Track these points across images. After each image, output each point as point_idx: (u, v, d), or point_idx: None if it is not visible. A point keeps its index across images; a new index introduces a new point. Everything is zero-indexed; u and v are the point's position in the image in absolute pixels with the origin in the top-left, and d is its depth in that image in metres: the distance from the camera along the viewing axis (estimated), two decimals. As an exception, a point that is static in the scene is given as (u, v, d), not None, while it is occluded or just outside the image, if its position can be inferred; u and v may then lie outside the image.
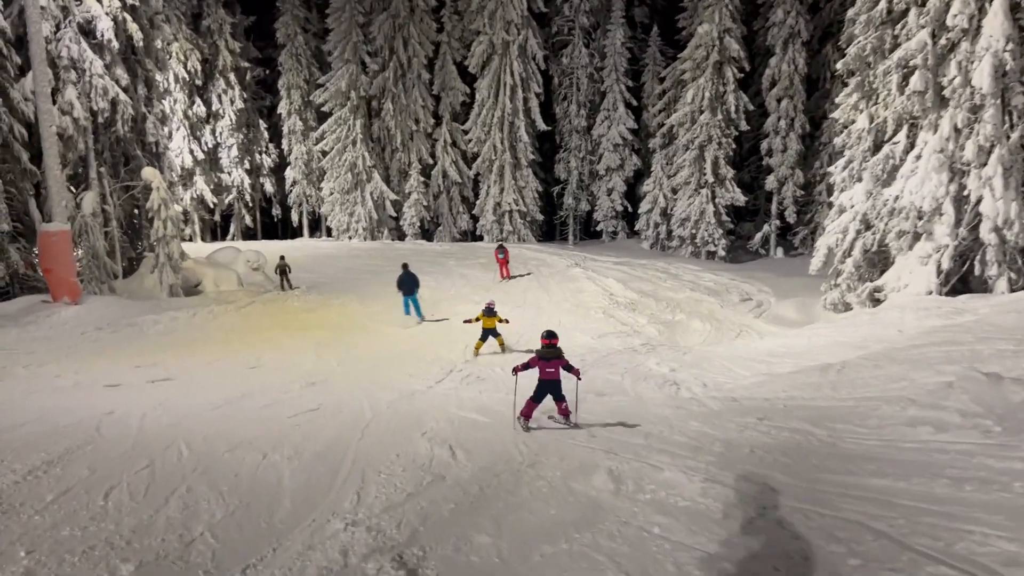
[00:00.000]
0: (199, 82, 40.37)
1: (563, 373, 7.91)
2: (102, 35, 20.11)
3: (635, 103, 38.80)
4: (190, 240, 40.69)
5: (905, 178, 16.43)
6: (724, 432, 6.70)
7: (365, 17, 38.93)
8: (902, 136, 17.19)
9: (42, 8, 19.15)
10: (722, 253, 32.59)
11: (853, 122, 18.87)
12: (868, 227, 17.99)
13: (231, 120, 41.53)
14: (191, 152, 39.99)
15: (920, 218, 16.07)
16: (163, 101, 27.40)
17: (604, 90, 38.77)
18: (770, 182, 32.85)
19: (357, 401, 9.53)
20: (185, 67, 39.21)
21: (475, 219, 40.10)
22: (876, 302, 17.80)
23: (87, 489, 5.70)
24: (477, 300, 21.38)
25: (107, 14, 20.20)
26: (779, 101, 32.19)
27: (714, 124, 31.58)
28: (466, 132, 38.86)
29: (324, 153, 40.51)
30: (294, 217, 44.69)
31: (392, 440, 7.37)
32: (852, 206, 18.25)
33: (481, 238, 38.88)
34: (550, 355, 7.86)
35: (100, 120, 20.70)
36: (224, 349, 14.14)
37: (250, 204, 44.10)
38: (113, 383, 10.61)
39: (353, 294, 22.79)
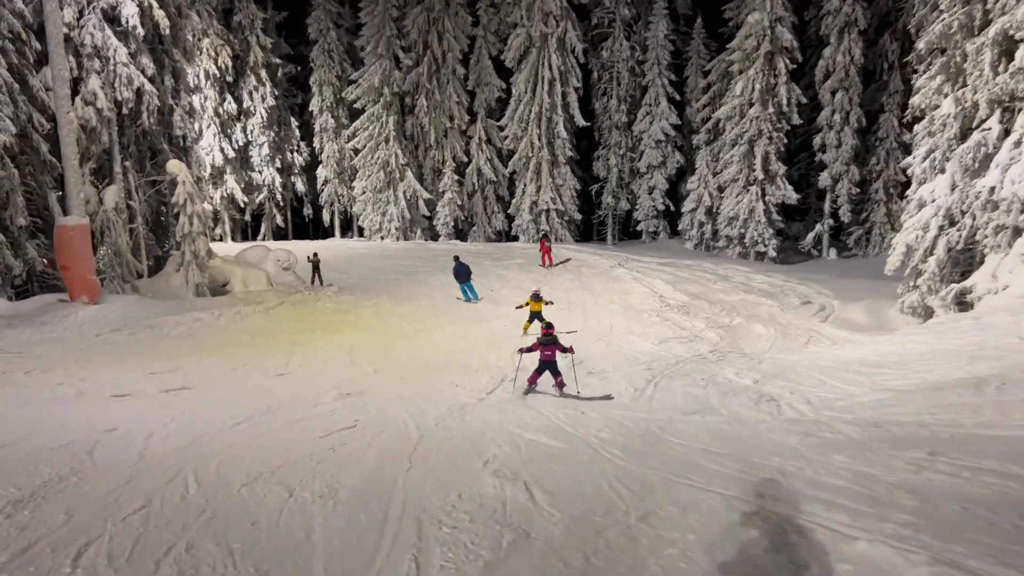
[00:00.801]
0: (230, 79, 39.40)
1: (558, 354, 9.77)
2: (127, 21, 18.96)
3: (678, 98, 37.11)
4: (220, 240, 39.80)
5: (1002, 167, 14.62)
6: (891, 472, 5.08)
7: (399, 11, 37.72)
8: (994, 121, 15.39)
9: (63, -9, 18.15)
10: (772, 254, 30.77)
11: (936, 107, 17.07)
12: (952, 223, 16.22)
13: (262, 118, 40.57)
14: (221, 150, 39.09)
15: (1024, 211, 14.27)
16: (192, 96, 26.34)
17: (646, 84, 37.13)
18: (823, 179, 30.96)
19: (400, 417, 8.11)
20: (216, 63, 38.28)
21: (510, 219, 38.67)
22: (963, 305, 16.02)
23: (55, 546, 4.30)
24: (518, 301, 20.14)
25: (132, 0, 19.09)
26: (833, 94, 30.30)
27: (764, 118, 29.79)
28: (501, 128, 37.45)
29: (356, 151, 39.38)
30: (325, 217, 43.63)
31: (448, 472, 5.91)
32: (934, 200, 16.47)
33: (516, 238, 37.43)
34: (548, 341, 9.73)
35: (125, 111, 19.58)
36: (250, 353, 12.83)
37: (281, 203, 43.11)
38: (121, 393, 9.30)
39: (386, 295, 21.49)
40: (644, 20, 37.69)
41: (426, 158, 39.34)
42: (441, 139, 38.61)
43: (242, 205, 40.67)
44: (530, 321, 15.72)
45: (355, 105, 38.82)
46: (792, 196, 30.40)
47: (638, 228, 38.66)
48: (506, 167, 38.22)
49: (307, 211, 44.73)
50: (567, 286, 22.70)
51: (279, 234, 43.97)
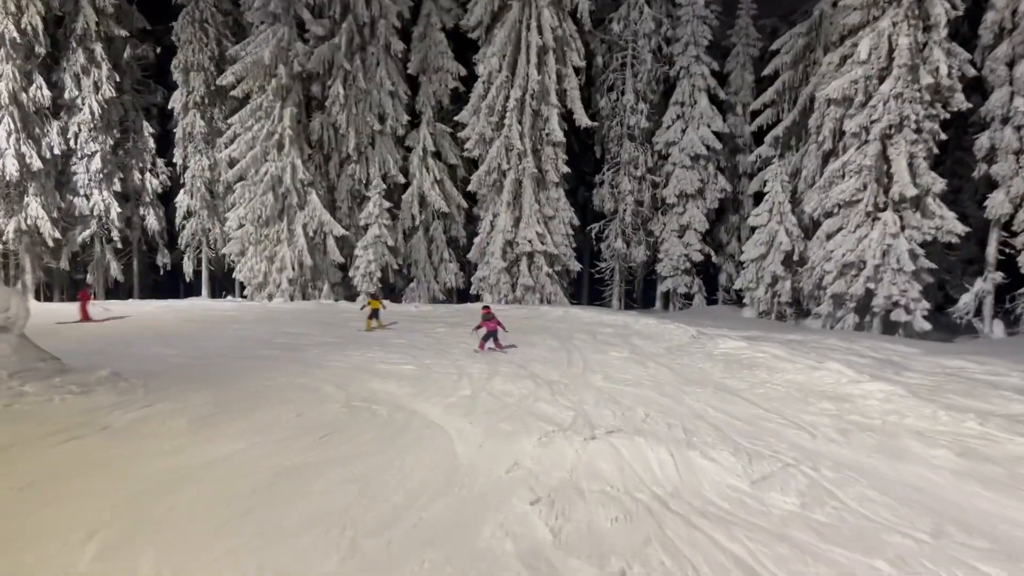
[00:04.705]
0: (41, 49, 25.62)
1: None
2: None
3: (722, 96, 25.15)
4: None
5: None
6: None
7: (305, -47, 24.99)
8: None
9: None
10: (923, 324, 18.26)
11: None
12: None
13: (94, 114, 26.56)
14: (21, 157, 24.91)
15: None
16: None
17: (675, 76, 25.08)
18: (995, 204, 18.98)
19: None
20: (17, 25, 24.60)
21: (467, 269, 25.44)
22: None
23: None
24: (565, 403, 8.19)
25: None
26: (1010, 65, 18.68)
27: (911, 97, 17.73)
28: (456, 131, 24.56)
29: (233, 162, 25.60)
30: (187, 266, 29.30)
31: None
32: None
33: (477, 297, 24.07)
34: (489, 317, 12.51)
35: None
36: None
37: (120, 246, 28.59)
38: None
39: (202, 394, 8.40)
40: (669, -16, 25.93)
41: (341, 175, 25.88)
42: (365, 148, 25.36)
43: (50, 242, 26.09)
44: (370, 318, 16.59)
45: (233, 92, 25.30)
46: (956, 228, 18.17)
47: (663, 287, 25.80)
48: (461, 192, 25.28)
49: (163, 259, 30.18)
50: (647, 374, 9.71)
51: (119, 290, 29.30)
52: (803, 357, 10.90)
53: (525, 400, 8.17)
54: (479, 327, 12.82)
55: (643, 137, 25.08)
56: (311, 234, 24.74)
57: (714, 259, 25.34)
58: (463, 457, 5.82)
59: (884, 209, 18.45)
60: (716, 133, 24.26)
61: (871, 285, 18.41)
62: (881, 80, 18.30)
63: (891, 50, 17.96)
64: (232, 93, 25.19)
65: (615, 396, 8.47)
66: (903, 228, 18.27)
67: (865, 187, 18.56)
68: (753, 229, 22.61)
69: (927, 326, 18.25)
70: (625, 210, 25.11)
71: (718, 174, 24.75)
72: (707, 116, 24.17)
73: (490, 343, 12.76)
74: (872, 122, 18.25)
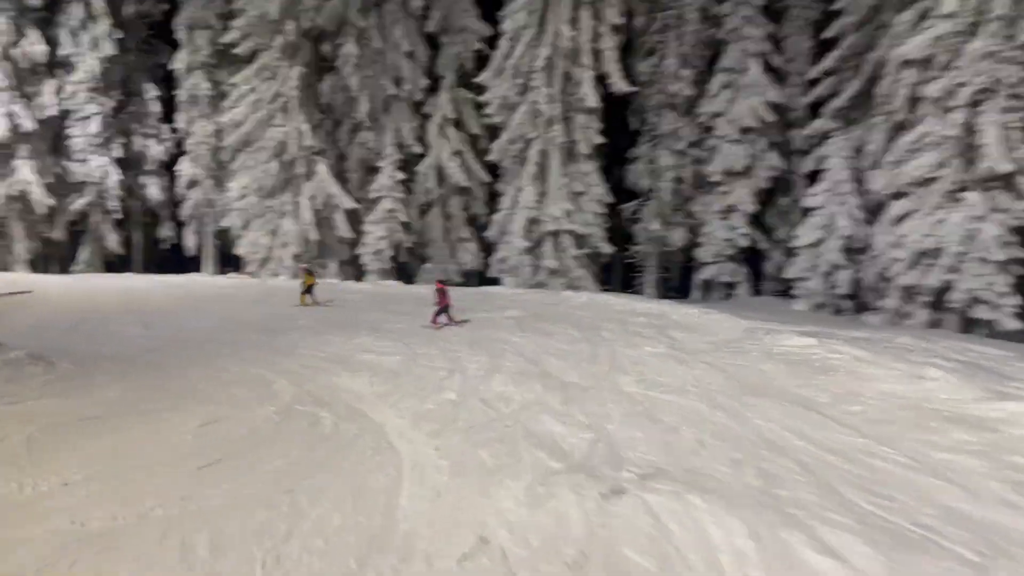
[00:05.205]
0: (36, 0, 23.89)
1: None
2: None
3: (775, 63, 22.50)
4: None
5: None
6: None
7: (319, -102, 22.76)
8: None
9: None
10: (1011, 322, 15.57)
11: None
12: None
13: (93, 73, 24.77)
14: (12, 116, 23.26)
15: None
16: None
17: (723, 39, 22.47)
18: (1099, 185, 16.17)
19: None
20: (9, -27, 22.90)
21: (488, 250, 23.18)
22: None
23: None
24: (581, 418, 6.01)
25: None
26: None
27: (1006, 57, 15.05)
28: (479, 99, 22.21)
29: (237, 126, 23.57)
30: (189, 240, 27.43)
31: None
32: None
33: (496, 281, 21.85)
34: (443, 292, 12.93)
35: None
36: None
37: (120, 217, 26.79)
38: None
39: (116, 386, 7.40)
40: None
41: (352, 144, 23.80)
42: (379, 114, 23.22)
43: (42, 210, 24.41)
44: (304, 293, 16.55)
45: (238, 51, 23.26)
46: (1056, 212, 15.35)
47: (703, 275, 23.26)
48: (486, 166, 23.01)
49: (165, 232, 28.35)
50: (692, 377, 7.35)
51: (117, 263, 27.56)
52: (892, 360, 8.51)
53: (526, 411, 5.93)
54: (436, 302, 13.25)
55: (685, 107, 22.53)
56: (318, 206, 22.67)
57: (760, 245, 22.74)
58: (405, 514, 3.60)
59: (968, 188, 15.80)
60: (769, 104, 21.62)
61: (949, 276, 15.79)
62: (972, 35, 15.60)
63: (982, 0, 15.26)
64: (237, 51, 23.14)
65: (651, 409, 6.19)
66: (991, 211, 15.60)
67: (946, 163, 15.90)
68: (807, 212, 20.03)
69: (1015, 325, 15.58)
70: (663, 188, 22.60)
71: (769, 149, 22.12)
72: (759, 84, 21.56)
73: (443, 318, 13.05)
74: (957, 86, 15.57)
